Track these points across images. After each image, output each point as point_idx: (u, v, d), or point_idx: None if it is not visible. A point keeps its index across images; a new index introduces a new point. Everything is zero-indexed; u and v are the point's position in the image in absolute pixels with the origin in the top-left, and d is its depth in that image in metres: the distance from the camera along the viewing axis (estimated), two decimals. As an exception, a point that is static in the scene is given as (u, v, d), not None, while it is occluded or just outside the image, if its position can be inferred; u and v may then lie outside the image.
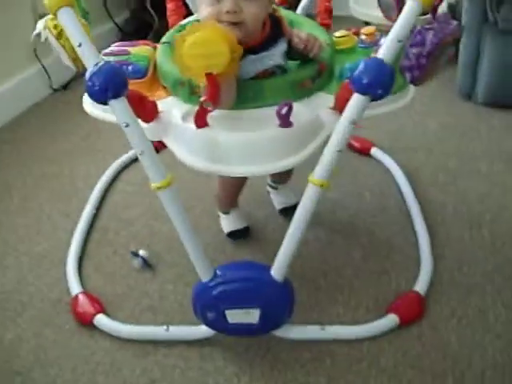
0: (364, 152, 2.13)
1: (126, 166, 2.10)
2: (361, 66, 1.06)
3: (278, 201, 1.84)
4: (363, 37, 1.52)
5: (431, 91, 2.54)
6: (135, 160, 2.07)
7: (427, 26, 1.25)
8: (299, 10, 1.75)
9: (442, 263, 1.61)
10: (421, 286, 1.51)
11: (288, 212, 1.77)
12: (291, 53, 1.33)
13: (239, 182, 1.62)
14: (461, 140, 2.24)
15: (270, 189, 1.85)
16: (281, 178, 1.79)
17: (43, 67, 2.66)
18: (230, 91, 1.21)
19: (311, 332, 1.39)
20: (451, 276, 1.57)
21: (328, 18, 1.67)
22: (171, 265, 1.63)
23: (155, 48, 1.46)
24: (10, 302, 1.54)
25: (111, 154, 2.14)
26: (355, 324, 1.43)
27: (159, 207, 1.76)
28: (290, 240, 1.21)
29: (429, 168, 2.05)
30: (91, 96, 1.08)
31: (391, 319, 1.41)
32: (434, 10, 1.26)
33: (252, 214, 1.82)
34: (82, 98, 1.44)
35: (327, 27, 1.60)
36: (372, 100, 1.08)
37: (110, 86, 1.06)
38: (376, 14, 1.62)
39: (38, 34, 1.33)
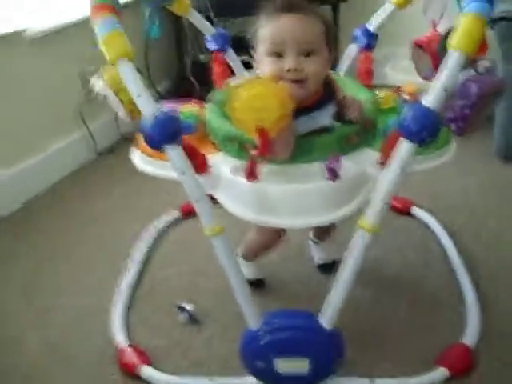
0: (404, 211, 2.15)
1: (168, 226, 2.14)
2: (408, 114, 1.09)
3: (318, 256, 1.85)
4: (406, 96, 1.57)
5: (470, 152, 2.57)
6: (177, 222, 2.15)
7: (471, 79, 1.29)
8: (341, 70, 1.81)
9: (489, 316, 1.59)
10: (469, 338, 1.50)
11: (326, 268, 1.80)
12: (339, 115, 1.37)
13: (273, 240, 1.61)
14: (501, 200, 2.24)
15: (311, 242, 1.87)
16: (323, 233, 1.80)
17: (89, 131, 2.76)
18: (286, 144, 1.26)
19: (361, 384, 1.38)
20: (500, 329, 1.56)
21: (368, 79, 1.73)
22: (216, 320, 1.64)
23: (202, 107, 1.52)
24: (55, 355, 1.56)
25: (153, 213, 2.19)
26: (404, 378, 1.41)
27: (203, 264, 1.83)
28: (341, 286, 1.23)
29: (470, 227, 2.05)
30: (149, 142, 1.13)
31: (441, 372, 1.40)
32: (475, 62, 1.31)
33: (292, 268, 1.85)
34: (125, 160, 1.50)
35: (368, 88, 1.66)
36: (419, 146, 1.11)
37: (167, 131, 1.11)
38: (413, 79, 1.69)
39: (96, 92, 1.39)
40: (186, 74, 3.32)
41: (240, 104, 1.17)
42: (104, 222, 2.21)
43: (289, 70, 1.26)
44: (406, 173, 1.14)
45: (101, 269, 1.91)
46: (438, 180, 2.36)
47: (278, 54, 1.28)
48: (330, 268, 1.77)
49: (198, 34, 2.71)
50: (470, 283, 1.70)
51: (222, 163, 1.34)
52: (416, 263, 1.86)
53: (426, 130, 1.08)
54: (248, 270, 1.72)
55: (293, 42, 1.26)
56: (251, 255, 1.73)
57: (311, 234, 1.85)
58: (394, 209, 2.15)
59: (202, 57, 3.23)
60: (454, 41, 1.11)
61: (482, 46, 1.39)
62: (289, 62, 1.26)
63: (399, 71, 3.01)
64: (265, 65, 1.30)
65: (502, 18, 2.31)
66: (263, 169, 1.25)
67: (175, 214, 2.16)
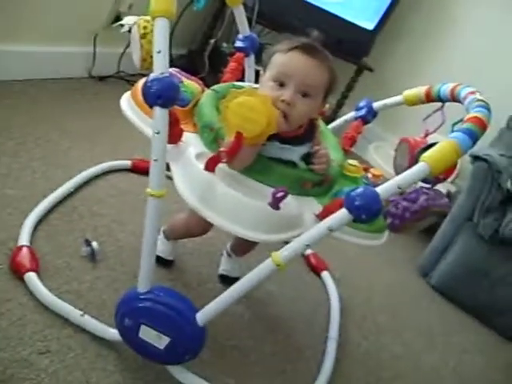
0: (316, 271, 2.28)
1: (114, 171, 2.22)
2: (359, 189, 1.22)
3: (224, 267, 1.95)
4: (370, 175, 1.71)
5: (393, 256, 2.75)
6: (123, 170, 2.24)
7: (424, 190, 1.43)
8: (331, 125, 1.94)
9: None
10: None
11: (226, 280, 1.91)
12: (308, 158, 1.49)
13: (203, 231, 1.70)
14: (399, 304, 2.42)
15: (224, 253, 1.97)
16: (241, 250, 1.91)
17: (94, 52, 2.84)
18: (245, 159, 1.37)
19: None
20: None
21: (349, 145, 1.86)
22: (111, 268, 1.73)
23: (203, 89, 1.63)
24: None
25: (110, 152, 2.29)
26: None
27: (126, 217, 1.91)
28: (229, 296, 1.32)
29: (361, 312, 2.20)
30: (145, 95, 1.22)
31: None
32: (437, 181, 1.45)
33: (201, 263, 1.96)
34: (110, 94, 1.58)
35: (345, 152, 1.79)
36: (354, 221, 1.24)
37: (164, 94, 1.21)
38: (388, 170, 1.81)
39: (122, 25, 1.48)
40: (203, 52, 3.40)
41: (232, 105, 1.28)
42: (64, 137, 2.28)
43: (283, 101, 1.38)
44: (330, 233, 1.25)
45: (39, 173, 1.98)
46: (359, 261, 2.53)
47: (280, 83, 1.40)
48: (229, 282, 1.86)
49: (234, 25, 2.83)
50: (333, 359, 1.82)
51: (193, 144, 1.44)
52: (301, 317, 2.00)
53: (365, 210, 1.21)
54: (163, 248, 1.83)
55: (297, 78, 1.38)
56: (172, 235, 1.84)
57: (229, 246, 1.96)
58: (309, 264, 2.29)
59: (225, 45, 3.31)
60: (427, 154, 1.25)
61: (449, 171, 1.55)
62: (286, 94, 1.38)
63: (378, 155, 3.18)
64: (266, 87, 1.42)
65: (485, 160, 2.48)
66: (222, 167, 1.36)
67: (126, 163, 2.25)
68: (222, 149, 1.33)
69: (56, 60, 2.67)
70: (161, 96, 1.21)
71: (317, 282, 2.24)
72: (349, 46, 3.33)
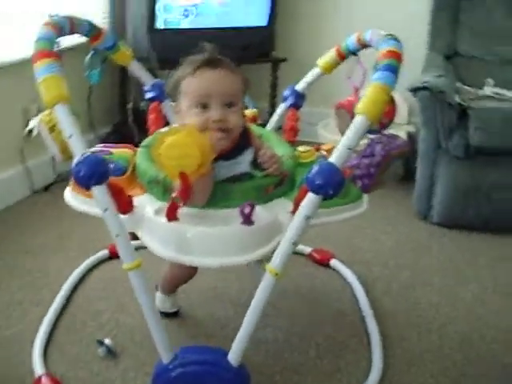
0: (324, 263, 2.26)
1: (96, 264, 2.20)
2: (314, 169, 1.21)
3: None
4: (324, 153, 1.71)
5: (390, 213, 2.77)
6: (104, 260, 2.22)
7: (376, 140, 1.43)
8: (269, 125, 1.94)
9: (392, 363, 1.71)
10: (372, 380, 1.60)
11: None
12: (256, 162, 1.49)
13: (190, 274, 1.71)
14: (414, 256, 2.39)
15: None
16: None
17: (26, 169, 2.81)
18: (204, 190, 1.36)
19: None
20: (400, 375, 1.66)
21: (293, 136, 1.86)
22: (133, 354, 1.70)
23: (135, 152, 1.61)
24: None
25: (83, 252, 2.26)
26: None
27: (125, 302, 1.89)
28: (247, 326, 1.31)
29: (383, 279, 2.18)
30: (77, 181, 1.22)
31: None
32: (383, 127, 1.45)
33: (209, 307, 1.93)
34: (61, 199, 1.58)
35: (292, 143, 1.79)
36: (324, 199, 1.23)
37: (94, 173, 1.20)
38: (339, 139, 1.81)
39: (31, 130, 1.47)
40: (127, 120, 3.39)
41: (163, 150, 1.27)
42: (34, 258, 2.25)
43: (214, 121, 1.37)
44: (309, 222, 1.24)
45: (27, 302, 1.95)
46: (357, 236, 2.52)
47: (204, 106, 1.39)
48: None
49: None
50: (377, 333, 1.81)
51: (147, 204, 1.43)
52: (330, 311, 1.97)
53: (328, 184, 1.20)
54: (164, 304, 1.85)
55: (217, 94, 1.38)
56: (167, 288, 1.83)
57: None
58: (315, 260, 2.27)
59: (142, 104, 3.30)
60: (359, 106, 1.25)
61: (389, 112, 1.55)
62: (215, 114, 1.38)
63: (329, 131, 3.18)
64: (190, 116, 1.40)
65: (425, 88, 2.49)
66: (183, 210, 1.35)
67: (103, 253, 2.23)
68: (173, 194, 1.32)
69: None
70: (92, 175, 1.21)
71: (329, 273, 2.22)
72: (253, 48, 3.35)
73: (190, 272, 1.69)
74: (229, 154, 1.42)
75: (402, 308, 2.00)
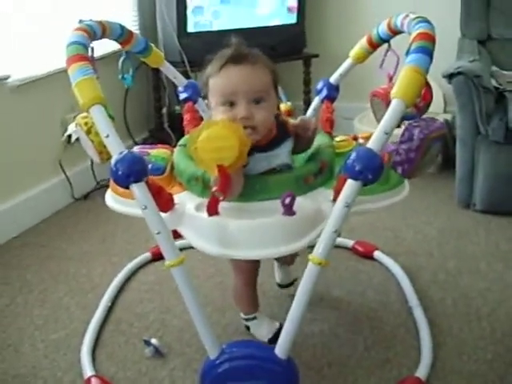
0: (368, 255, 2.24)
1: (139, 268, 2.22)
2: (353, 155, 1.20)
3: (279, 277, 1.99)
4: (361, 141, 1.68)
5: (432, 202, 2.74)
6: (147, 263, 2.24)
7: (414, 124, 1.40)
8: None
9: (442, 352, 1.68)
10: (422, 372, 1.57)
11: (285, 287, 1.97)
12: (296, 148, 1.48)
13: (252, 267, 1.64)
14: (459, 243, 2.35)
15: (276, 263, 1.97)
16: (285, 261, 1.91)
17: (66, 177, 2.86)
18: (238, 182, 1.35)
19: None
20: (452, 363, 1.63)
21: (330, 127, 1.84)
22: (181, 354, 1.70)
23: (172, 151, 1.62)
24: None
25: (126, 256, 2.29)
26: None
27: (170, 303, 1.90)
28: (293, 317, 1.29)
29: (429, 269, 2.15)
30: (115, 180, 1.22)
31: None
32: (419, 110, 1.42)
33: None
34: (100, 207, 1.58)
35: (329, 135, 1.77)
36: (364, 185, 1.21)
37: (132, 171, 1.20)
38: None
39: (70, 135, 1.49)
40: (163, 125, 3.42)
41: (199, 144, 1.26)
42: (78, 263, 2.28)
43: (241, 118, 1.36)
44: (349, 209, 1.22)
45: (73, 306, 1.98)
46: (400, 227, 2.49)
47: (231, 103, 1.37)
48: (288, 286, 1.97)
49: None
50: (425, 321, 1.78)
51: (187, 201, 1.43)
52: (375, 303, 1.94)
53: (368, 169, 1.18)
54: (262, 328, 1.70)
55: (243, 92, 1.36)
56: (247, 304, 1.72)
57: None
58: (358, 253, 2.25)
59: (177, 108, 3.33)
60: (394, 90, 1.23)
61: (425, 95, 1.52)
62: (240, 112, 1.36)
63: (365, 124, 3.15)
64: (218, 113, 1.39)
65: (459, 73, 2.45)
66: (223, 205, 1.34)
67: (145, 256, 2.25)
68: (213, 189, 1.31)
69: (37, 202, 2.69)
70: (130, 173, 1.20)
71: (372, 265, 2.20)
72: (285, 46, 3.35)
73: (253, 266, 1.64)
74: (265, 146, 1.41)
75: (450, 296, 1.97)
